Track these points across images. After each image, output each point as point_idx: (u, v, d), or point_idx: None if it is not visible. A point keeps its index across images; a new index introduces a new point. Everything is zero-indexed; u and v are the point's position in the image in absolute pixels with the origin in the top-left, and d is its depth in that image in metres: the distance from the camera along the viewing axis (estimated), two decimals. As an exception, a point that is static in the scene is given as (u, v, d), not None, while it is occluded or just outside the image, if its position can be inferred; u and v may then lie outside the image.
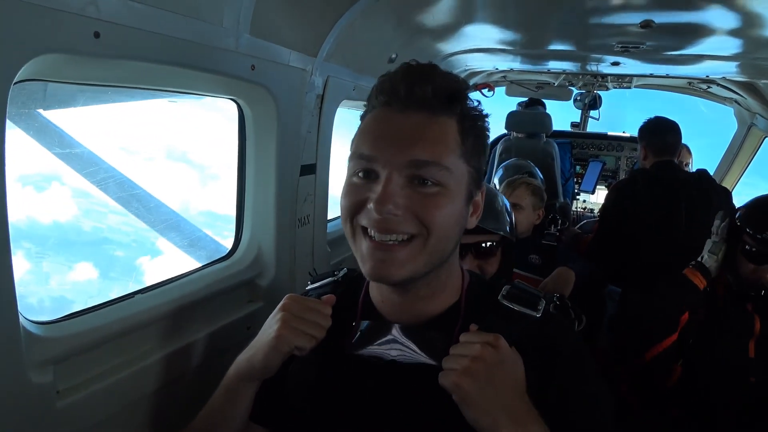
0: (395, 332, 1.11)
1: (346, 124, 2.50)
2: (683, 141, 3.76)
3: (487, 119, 1.11)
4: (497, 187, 3.26)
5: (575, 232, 3.75)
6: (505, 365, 1.02)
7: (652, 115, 3.52)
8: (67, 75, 1.23)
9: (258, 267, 1.86)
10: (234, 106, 1.79)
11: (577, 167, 5.67)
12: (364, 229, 1.02)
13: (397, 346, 1.10)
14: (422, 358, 1.08)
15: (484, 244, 1.83)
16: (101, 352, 1.32)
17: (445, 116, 1.02)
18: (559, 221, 3.37)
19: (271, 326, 1.14)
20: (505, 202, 1.96)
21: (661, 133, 3.35)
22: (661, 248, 3.09)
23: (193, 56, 1.40)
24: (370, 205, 0.99)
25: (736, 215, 2.27)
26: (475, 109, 1.09)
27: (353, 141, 1.06)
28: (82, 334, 1.25)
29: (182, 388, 1.52)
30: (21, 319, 1.10)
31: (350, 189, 1.04)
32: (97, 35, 1.10)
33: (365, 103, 1.11)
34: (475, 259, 1.84)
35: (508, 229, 1.90)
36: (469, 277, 1.22)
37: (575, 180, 5.47)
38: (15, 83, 1.00)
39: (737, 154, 4.97)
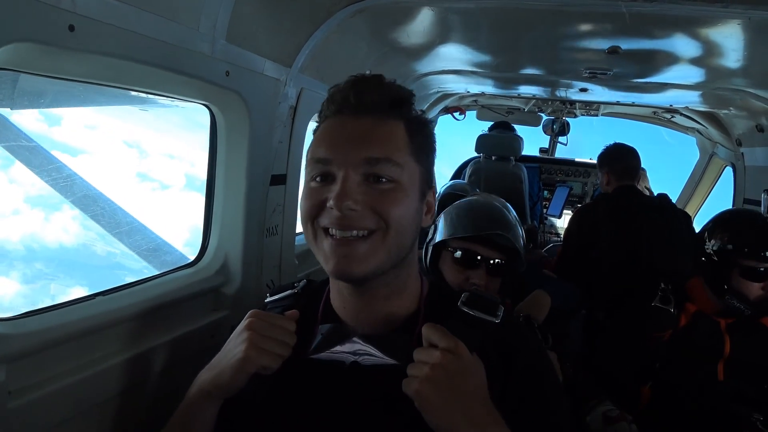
0: (356, 339, 1.12)
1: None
2: (644, 167, 3.88)
3: (431, 125, 1.20)
4: None
5: (541, 254, 3.80)
6: (465, 371, 1.04)
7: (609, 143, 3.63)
8: (40, 67, 1.22)
9: (224, 275, 1.84)
10: (207, 112, 1.78)
11: (545, 192, 5.78)
12: (325, 230, 1.06)
13: (358, 346, 1.11)
14: (384, 360, 1.10)
15: (495, 261, 1.85)
16: (58, 353, 1.28)
17: (393, 119, 1.09)
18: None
19: (236, 345, 1.13)
20: (514, 214, 1.99)
21: (621, 159, 3.45)
22: (623, 271, 3.15)
23: (167, 58, 1.40)
24: (330, 203, 1.03)
25: (722, 239, 2.29)
26: (420, 115, 1.17)
27: (309, 150, 1.12)
28: (37, 333, 1.22)
29: (143, 394, 1.49)
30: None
31: (309, 193, 1.09)
32: (71, 28, 1.10)
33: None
34: (487, 274, 1.85)
35: (522, 243, 1.92)
36: (428, 284, 1.24)
37: (543, 204, 5.57)
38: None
39: (699, 181, 5.12)
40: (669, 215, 3.21)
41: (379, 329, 1.14)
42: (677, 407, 2.24)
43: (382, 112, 1.08)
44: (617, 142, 3.57)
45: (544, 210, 5.57)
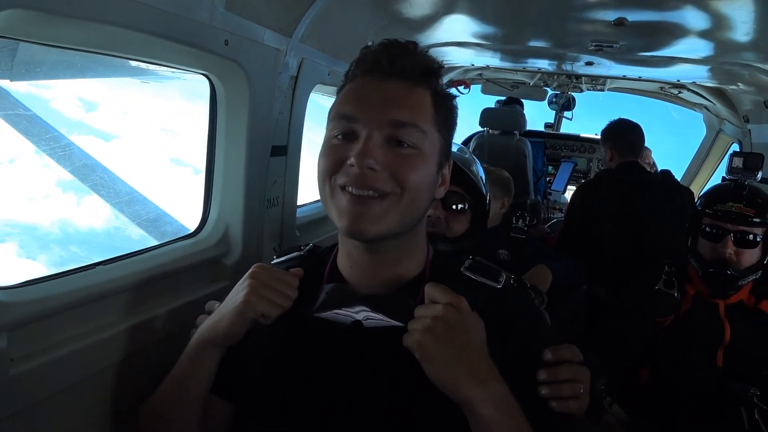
0: (361, 299, 1.14)
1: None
2: (651, 144, 3.84)
3: (455, 101, 1.19)
4: None
5: (544, 230, 3.79)
6: (466, 325, 1.05)
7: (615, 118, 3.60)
8: (37, 35, 1.21)
9: (224, 246, 1.85)
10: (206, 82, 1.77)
11: (549, 167, 5.75)
12: (342, 187, 1.07)
13: (363, 311, 1.13)
14: (388, 321, 1.11)
15: (455, 204, 1.91)
16: (59, 321, 1.29)
17: (422, 88, 1.10)
18: (528, 218, 3.40)
19: (237, 293, 1.16)
20: (480, 170, 2.04)
21: (625, 135, 3.42)
22: (625, 247, 3.16)
23: (165, 26, 1.39)
24: (351, 160, 1.04)
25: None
26: (446, 90, 1.17)
27: (333, 106, 1.13)
28: (39, 301, 1.23)
29: (142, 363, 1.50)
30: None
31: (329, 149, 1.09)
32: (68, -6, 1.08)
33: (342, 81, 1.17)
34: (443, 209, 1.91)
35: (482, 189, 1.96)
36: (434, 250, 1.26)
37: (547, 180, 5.55)
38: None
39: (705, 158, 5.09)
40: (671, 192, 3.19)
41: (384, 291, 1.16)
42: (674, 389, 2.25)
43: (412, 79, 1.09)
44: (621, 117, 3.53)
45: (548, 185, 5.55)
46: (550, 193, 5.60)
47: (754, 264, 2.20)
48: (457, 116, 1.20)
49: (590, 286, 3.41)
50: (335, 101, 1.14)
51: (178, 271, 1.66)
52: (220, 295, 1.74)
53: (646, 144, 4.25)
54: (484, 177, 2.04)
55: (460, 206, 1.94)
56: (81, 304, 1.34)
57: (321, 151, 1.11)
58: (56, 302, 1.27)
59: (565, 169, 5.50)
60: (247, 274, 1.18)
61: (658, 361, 2.34)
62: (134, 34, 1.33)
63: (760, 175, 2.41)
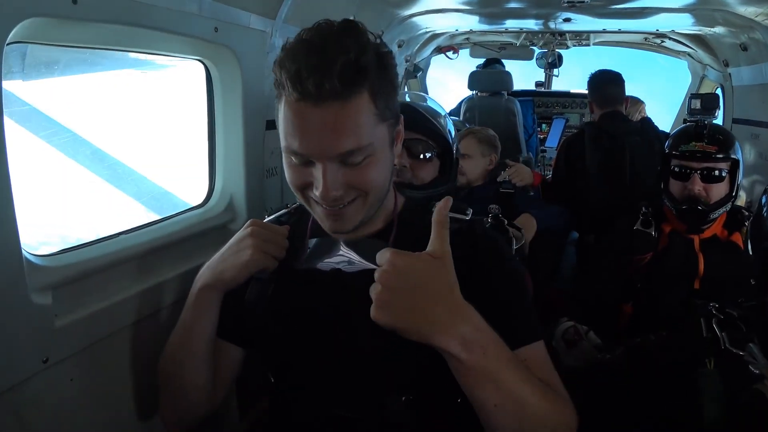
0: (340, 245, 1.30)
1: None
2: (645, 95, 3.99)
3: (390, 57, 1.17)
4: None
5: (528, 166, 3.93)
6: (418, 274, 1.08)
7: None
8: (49, 37, 1.39)
9: (230, 214, 2.06)
10: (201, 67, 1.96)
11: (543, 125, 5.88)
12: (315, 201, 1.19)
13: (343, 257, 1.29)
14: (364, 264, 1.26)
15: (422, 153, 1.95)
16: (91, 283, 1.50)
17: (357, 94, 1.08)
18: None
19: (241, 249, 1.33)
20: (448, 122, 2.10)
21: (603, 86, 3.57)
22: (608, 194, 3.34)
23: (160, 19, 1.57)
24: (316, 193, 1.14)
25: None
26: (380, 61, 1.12)
27: (280, 127, 1.15)
28: (74, 265, 1.44)
29: (158, 321, 1.71)
30: (23, 251, 1.28)
31: (293, 171, 1.17)
32: (74, 1, 1.26)
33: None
34: (409, 157, 1.94)
35: (448, 137, 2.02)
36: (404, 199, 1.40)
37: (539, 137, 5.68)
38: (7, 44, 1.17)
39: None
40: (651, 139, 3.35)
41: (366, 232, 1.30)
42: (653, 318, 2.43)
43: (344, 95, 1.06)
44: (601, 69, 3.67)
45: (542, 143, 5.69)
46: (544, 150, 5.75)
47: (722, 197, 2.36)
48: (394, 70, 1.19)
49: (580, 234, 3.62)
50: (281, 122, 1.14)
51: (190, 238, 1.86)
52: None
53: (640, 96, 4.41)
54: (452, 129, 2.11)
55: (427, 155, 1.98)
56: (108, 268, 1.55)
57: (285, 165, 1.19)
58: (88, 266, 1.48)
59: (558, 125, 5.63)
60: (247, 231, 1.34)
61: (639, 296, 2.52)
62: (135, 29, 1.52)
63: (719, 115, 2.54)
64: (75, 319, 1.42)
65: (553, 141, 5.55)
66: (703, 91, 5.03)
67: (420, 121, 1.96)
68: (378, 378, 1.25)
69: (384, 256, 1.10)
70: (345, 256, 1.30)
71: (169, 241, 1.78)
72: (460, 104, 5.06)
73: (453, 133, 2.11)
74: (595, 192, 3.41)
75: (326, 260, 1.31)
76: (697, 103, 2.52)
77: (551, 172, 4.25)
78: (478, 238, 1.31)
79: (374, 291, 1.08)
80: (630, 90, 3.79)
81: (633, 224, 2.53)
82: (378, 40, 1.15)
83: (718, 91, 4.52)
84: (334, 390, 1.28)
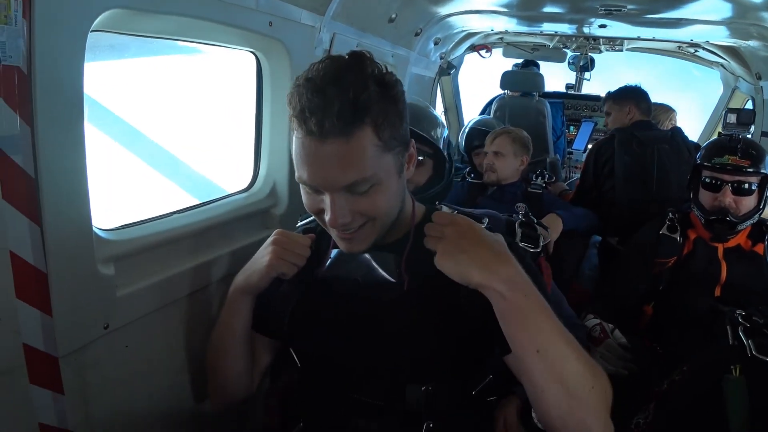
0: (358, 257, 1.35)
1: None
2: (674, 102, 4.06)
3: (397, 89, 1.22)
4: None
5: (562, 187, 4.01)
6: (471, 229, 1.23)
7: (636, 82, 3.79)
8: (128, 27, 1.51)
9: (273, 199, 2.16)
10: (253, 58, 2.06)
11: (571, 128, 5.90)
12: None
13: (362, 268, 1.35)
14: (380, 275, 1.34)
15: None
16: (148, 257, 1.62)
17: (359, 130, 1.14)
18: (546, 175, 3.63)
19: (263, 255, 1.46)
20: (436, 115, 2.10)
21: (646, 96, 3.67)
22: (635, 199, 3.38)
23: (221, 13, 1.67)
24: (326, 220, 1.22)
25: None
26: (382, 84, 1.18)
27: (294, 157, 1.22)
28: (134, 240, 1.56)
29: (208, 296, 1.84)
30: (93, 226, 1.39)
31: (307, 197, 1.27)
32: (152, -6, 1.37)
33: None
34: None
35: (435, 135, 2.01)
36: (424, 208, 1.47)
37: (567, 139, 5.71)
38: (91, 32, 1.27)
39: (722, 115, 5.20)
40: (680, 147, 3.40)
41: (386, 241, 1.35)
42: (675, 320, 2.49)
43: (346, 132, 1.13)
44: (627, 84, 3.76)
45: (569, 145, 5.71)
46: (571, 152, 5.78)
47: (751, 210, 2.41)
48: (402, 101, 1.24)
49: (604, 236, 3.67)
50: (294, 154, 1.21)
51: (236, 220, 1.98)
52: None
53: (671, 104, 4.45)
54: (443, 122, 2.12)
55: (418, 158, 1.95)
56: (164, 244, 1.67)
57: (301, 190, 1.27)
58: (147, 241, 1.60)
59: (586, 128, 5.65)
60: (270, 240, 1.47)
61: (662, 298, 2.57)
62: (199, 21, 1.63)
63: (753, 129, 2.58)
64: (134, 290, 1.54)
65: (580, 143, 5.58)
66: (734, 102, 5.04)
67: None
68: (400, 369, 1.34)
69: (444, 218, 1.24)
70: (363, 268, 1.35)
71: (218, 222, 1.89)
72: (490, 102, 5.11)
73: (442, 130, 2.12)
74: (621, 195, 3.45)
75: (345, 270, 1.38)
76: (732, 118, 2.56)
77: (579, 175, 4.32)
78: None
79: (437, 244, 1.21)
80: (660, 98, 3.82)
81: (659, 229, 2.59)
82: (385, 70, 1.21)
83: (749, 104, 4.53)
84: (358, 379, 1.37)
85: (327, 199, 1.20)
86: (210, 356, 1.60)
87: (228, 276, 1.89)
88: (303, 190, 1.27)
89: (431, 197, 1.94)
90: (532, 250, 1.79)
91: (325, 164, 1.16)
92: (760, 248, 2.49)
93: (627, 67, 6.60)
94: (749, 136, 3.23)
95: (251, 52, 2.03)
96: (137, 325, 1.56)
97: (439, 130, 2.07)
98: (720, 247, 2.49)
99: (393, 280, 1.33)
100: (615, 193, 3.47)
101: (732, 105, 5.06)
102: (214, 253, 1.86)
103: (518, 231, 1.80)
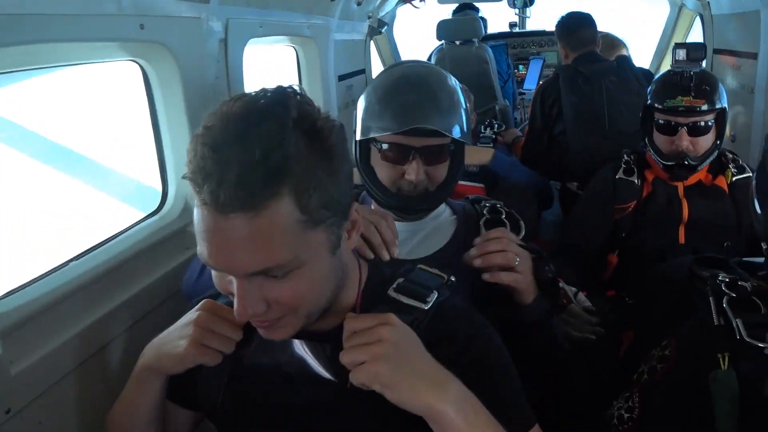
0: (293, 345, 1.11)
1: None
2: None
3: (337, 131, 0.95)
4: None
5: (515, 133, 3.83)
6: (406, 336, 1.01)
7: (577, 9, 3.56)
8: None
9: (188, 215, 1.95)
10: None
11: (520, 67, 5.70)
12: None
13: (293, 359, 1.10)
14: (318, 370, 1.08)
15: (435, 151, 1.55)
16: (44, 321, 1.42)
17: (272, 201, 0.86)
18: (496, 125, 3.45)
19: (179, 337, 1.15)
20: (460, 95, 1.62)
21: (573, 31, 3.42)
22: (588, 139, 3.24)
23: (83, 29, 1.45)
24: (235, 307, 0.95)
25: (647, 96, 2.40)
26: (312, 132, 0.90)
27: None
28: (23, 307, 1.36)
29: (128, 344, 1.64)
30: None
31: (215, 273, 0.99)
32: None
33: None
34: (424, 165, 1.55)
35: (464, 128, 1.59)
36: (368, 271, 1.19)
37: (516, 81, 5.51)
38: None
39: (671, 36, 5.03)
40: (627, 77, 3.23)
41: (323, 325, 1.09)
42: (642, 272, 2.37)
43: (254, 207, 0.85)
44: (570, 12, 3.52)
45: (519, 86, 5.52)
46: (523, 93, 5.59)
47: (710, 147, 2.30)
48: (341, 146, 0.96)
49: (563, 182, 3.53)
50: (194, 213, 0.92)
51: (148, 249, 1.77)
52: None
53: (618, 35, 4.24)
54: (463, 100, 1.64)
55: (440, 149, 1.57)
56: (61, 301, 1.46)
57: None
58: (39, 304, 1.39)
59: (535, 66, 5.45)
60: (192, 317, 1.14)
61: (625, 246, 2.48)
62: (64, 44, 1.44)
63: (704, 64, 2.42)
64: (32, 363, 1.34)
65: (531, 82, 5.38)
66: (681, 21, 4.86)
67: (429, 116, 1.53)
68: None
69: (375, 320, 1.00)
70: (294, 359, 1.10)
71: (126, 257, 1.69)
72: (429, 57, 4.88)
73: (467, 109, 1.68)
74: (573, 139, 3.30)
75: (273, 359, 1.12)
76: (681, 54, 2.39)
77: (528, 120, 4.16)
78: (451, 328, 1.13)
79: (372, 366, 0.95)
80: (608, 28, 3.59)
81: (615, 173, 2.48)
82: (318, 113, 0.94)
83: (697, 20, 4.35)
84: None
85: (234, 284, 0.94)
86: (113, 428, 1.31)
87: (149, 315, 1.71)
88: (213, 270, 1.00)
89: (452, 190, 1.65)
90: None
91: (227, 244, 0.88)
92: (721, 181, 2.40)
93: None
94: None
95: (132, 61, 1.80)
96: (43, 402, 1.37)
97: (461, 115, 1.59)
98: (680, 186, 2.39)
99: (329, 377, 1.06)
100: (567, 136, 3.32)
101: (680, 24, 4.88)
102: (127, 293, 1.67)
103: (483, 232, 1.59)
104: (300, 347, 1.10)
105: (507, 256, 1.42)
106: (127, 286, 1.69)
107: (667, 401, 1.28)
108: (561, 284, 2.20)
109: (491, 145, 3.01)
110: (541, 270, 1.50)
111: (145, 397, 1.23)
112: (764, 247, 1.32)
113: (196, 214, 0.90)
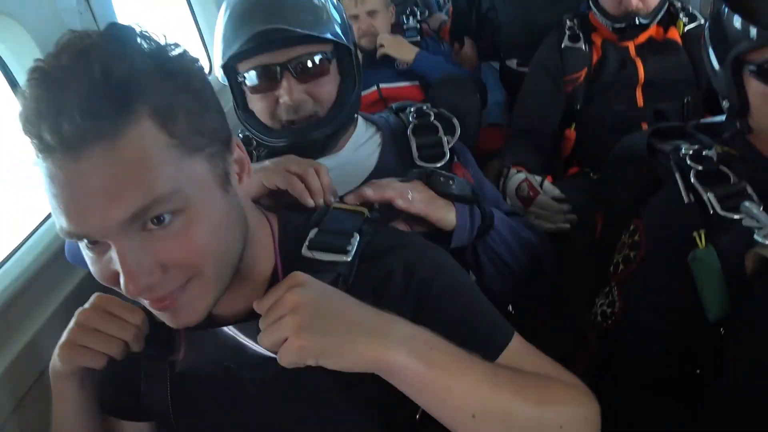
0: (222, 334, 0.94)
1: None
2: None
3: (196, 69, 0.81)
4: None
5: (440, 18, 3.48)
6: (323, 291, 0.87)
7: None
8: None
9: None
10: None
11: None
12: None
13: (227, 349, 0.94)
14: (255, 352, 0.92)
15: (305, 61, 1.28)
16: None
17: (129, 123, 0.72)
18: (418, 12, 3.15)
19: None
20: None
21: None
22: (518, 6, 2.92)
23: None
24: (122, 285, 0.77)
25: None
26: (160, 59, 0.77)
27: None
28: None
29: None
30: None
31: (91, 262, 0.81)
32: None
33: None
34: (300, 83, 1.30)
35: (340, 27, 1.34)
36: (278, 227, 1.01)
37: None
38: None
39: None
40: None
41: (245, 302, 0.94)
42: (602, 144, 2.25)
43: (105, 132, 0.71)
44: None
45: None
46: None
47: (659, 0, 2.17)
48: (200, 77, 0.82)
49: (502, 61, 3.29)
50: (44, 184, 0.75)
51: (44, 268, 1.53)
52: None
53: None
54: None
55: (317, 61, 1.30)
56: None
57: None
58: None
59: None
60: (78, 312, 0.98)
61: (582, 118, 2.37)
62: None
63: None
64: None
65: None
66: None
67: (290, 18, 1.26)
68: None
69: (282, 288, 0.84)
70: (228, 349, 0.93)
71: (23, 284, 1.45)
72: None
73: (330, 10, 1.37)
74: (504, 11, 3.00)
75: (206, 355, 0.96)
76: None
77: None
78: (386, 264, 0.97)
79: (295, 342, 0.79)
80: None
81: (560, 42, 2.34)
82: (171, 46, 0.79)
83: None
84: None
85: (112, 248, 0.76)
86: None
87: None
88: (84, 254, 0.81)
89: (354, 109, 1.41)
90: (439, 165, 1.38)
91: (87, 195, 0.72)
92: (673, 33, 2.27)
93: None
94: None
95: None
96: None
97: (325, 13, 1.32)
98: (631, 45, 2.26)
99: (273, 355, 0.85)
100: (496, 11, 3.02)
101: None
102: (36, 324, 1.44)
103: (412, 142, 1.42)
104: (230, 335, 0.93)
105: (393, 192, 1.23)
106: (32, 315, 1.47)
107: (646, 290, 1.23)
108: (524, 174, 2.07)
109: (418, 37, 2.74)
110: (437, 183, 1.29)
111: (63, 403, 1.06)
112: (724, 105, 1.23)
113: (43, 177, 0.74)
